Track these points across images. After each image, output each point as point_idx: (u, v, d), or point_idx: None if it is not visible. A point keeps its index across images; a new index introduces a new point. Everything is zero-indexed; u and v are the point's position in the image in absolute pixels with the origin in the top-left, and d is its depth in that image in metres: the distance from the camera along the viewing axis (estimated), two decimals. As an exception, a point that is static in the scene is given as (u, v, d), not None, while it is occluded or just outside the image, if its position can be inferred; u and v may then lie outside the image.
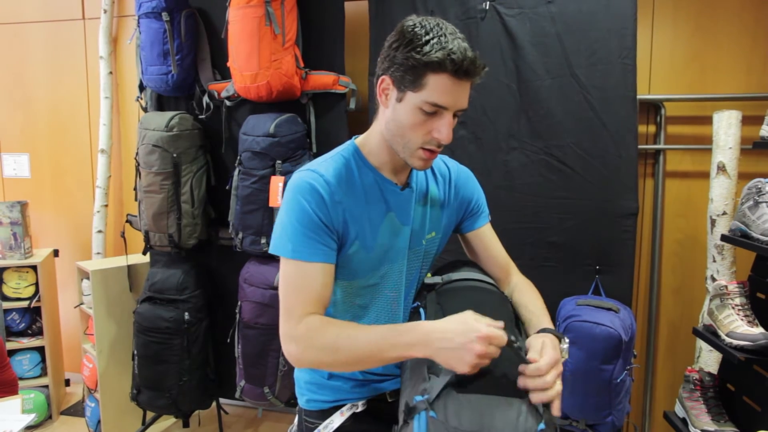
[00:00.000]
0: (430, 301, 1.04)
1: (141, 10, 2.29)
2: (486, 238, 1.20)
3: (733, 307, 1.70)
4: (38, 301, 2.85)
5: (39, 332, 2.90)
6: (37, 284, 2.86)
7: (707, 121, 2.18)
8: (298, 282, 0.96)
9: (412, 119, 0.94)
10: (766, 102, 2.20)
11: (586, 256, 2.07)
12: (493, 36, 2.09)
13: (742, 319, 1.67)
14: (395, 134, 0.98)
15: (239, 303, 2.27)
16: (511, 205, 2.13)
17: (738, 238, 1.75)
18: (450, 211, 1.16)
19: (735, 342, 1.62)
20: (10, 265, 2.81)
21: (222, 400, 2.68)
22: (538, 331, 0.94)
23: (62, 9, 3.06)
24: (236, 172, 2.20)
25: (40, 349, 2.90)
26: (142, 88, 2.49)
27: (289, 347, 0.95)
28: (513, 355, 0.83)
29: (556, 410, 0.78)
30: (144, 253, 2.50)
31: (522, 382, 0.80)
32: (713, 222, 2.09)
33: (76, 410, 3.02)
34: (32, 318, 2.91)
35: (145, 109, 2.54)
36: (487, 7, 2.09)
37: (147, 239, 2.37)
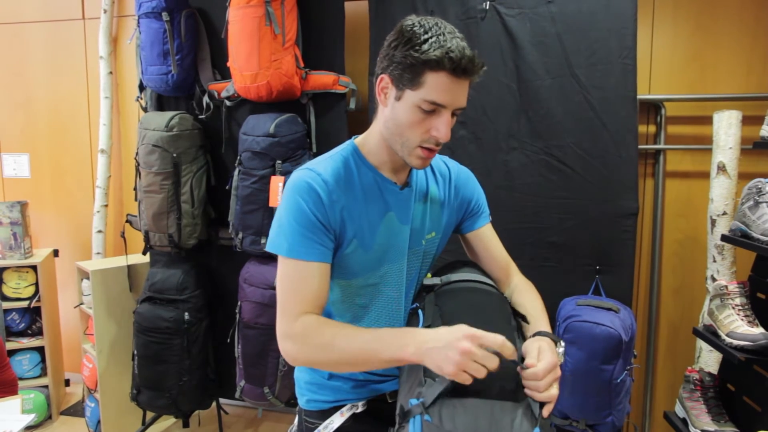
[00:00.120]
0: (429, 302, 1.04)
1: (141, 10, 2.29)
2: (486, 239, 1.20)
3: (733, 307, 1.70)
4: (38, 301, 2.85)
5: (39, 332, 2.90)
6: (37, 284, 2.86)
7: (707, 121, 2.18)
8: (295, 281, 0.97)
9: (411, 117, 0.94)
10: (766, 102, 2.20)
11: (586, 256, 2.07)
12: (493, 36, 2.09)
13: (742, 319, 1.67)
14: (394, 133, 0.98)
15: (239, 303, 2.27)
16: (511, 205, 2.13)
17: (738, 238, 1.75)
18: (450, 211, 1.16)
19: (735, 342, 1.62)
20: (10, 265, 2.81)
21: (222, 400, 2.68)
22: (535, 334, 0.94)
23: (62, 9, 3.06)
24: (236, 172, 2.20)
25: (40, 349, 2.90)
26: (142, 88, 2.49)
27: (285, 345, 0.95)
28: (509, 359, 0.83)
29: (545, 413, 0.79)
30: (144, 253, 2.50)
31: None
32: (713, 222, 2.09)
33: (75, 410, 3.01)
34: (32, 318, 2.91)
35: (145, 109, 2.54)
36: (487, 7, 2.09)
37: (147, 239, 2.37)
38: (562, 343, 0.93)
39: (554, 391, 0.81)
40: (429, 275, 1.16)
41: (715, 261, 2.10)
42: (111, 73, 3.00)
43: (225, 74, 2.35)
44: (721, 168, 2.06)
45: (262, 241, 2.14)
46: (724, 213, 2.06)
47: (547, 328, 0.98)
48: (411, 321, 1.07)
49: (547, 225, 2.11)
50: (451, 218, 1.17)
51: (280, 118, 2.12)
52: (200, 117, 2.39)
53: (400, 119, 0.96)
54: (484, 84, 2.11)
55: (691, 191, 2.35)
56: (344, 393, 1.11)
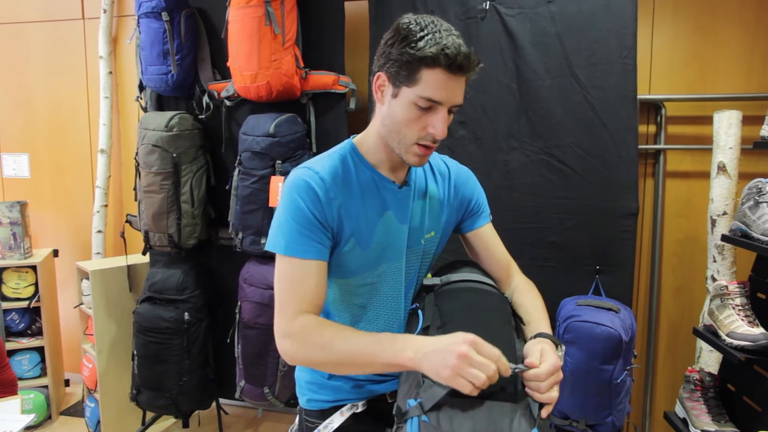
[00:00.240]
0: (428, 302, 1.04)
1: (141, 9, 2.29)
2: (487, 238, 1.20)
3: (733, 308, 1.70)
4: (38, 301, 2.84)
5: (38, 332, 2.89)
6: (36, 284, 2.86)
7: (707, 121, 2.18)
8: (292, 279, 0.97)
9: (407, 114, 0.95)
10: (766, 102, 2.20)
11: (586, 256, 2.07)
12: (493, 36, 2.09)
13: (742, 320, 1.67)
14: (391, 130, 0.98)
15: (239, 303, 2.27)
16: (511, 205, 2.13)
17: (738, 238, 1.75)
18: (449, 211, 1.16)
19: (735, 342, 1.62)
20: (10, 265, 2.81)
21: (222, 401, 2.68)
22: (535, 336, 0.94)
23: (62, 9, 3.06)
24: (236, 172, 2.19)
25: (40, 350, 2.90)
26: (141, 88, 2.49)
27: (283, 343, 0.95)
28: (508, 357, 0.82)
29: (544, 414, 0.79)
30: (144, 253, 2.50)
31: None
32: (713, 222, 2.09)
33: (75, 410, 3.01)
34: (32, 318, 2.91)
35: (144, 109, 2.54)
36: (487, 7, 2.08)
37: (147, 239, 2.37)
38: (563, 347, 0.93)
39: (555, 393, 0.81)
40: (429, 275, 1.16)
41: (715, 261, 2.10)
42: (111, 73, 3.00)
43: (225, 74, 2.35)
44: (721, 168, 2.06)
45: (262, 241, 2.14)
46: (725, 213, 2.06)
47: (548, 330, 0.98)
48: (411, 321, 1.07)
49: (547, 225, 2.10)
50: (451, 218, 1.17)
51: (280, 118, 2.12)
52: (200, 117, 2.39)
53: (396, 116, 0.96)
54: (484, 84, 2.11)
55: (691, 191, 2.35)
56: (344, 393, 1.11)
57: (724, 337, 1.67)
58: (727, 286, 1.73)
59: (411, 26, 0.92)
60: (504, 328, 0.95)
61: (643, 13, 2.23)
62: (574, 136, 2.05)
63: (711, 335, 1.76)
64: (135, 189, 2.39)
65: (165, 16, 2.24)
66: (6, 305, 2.80)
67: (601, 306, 1.84)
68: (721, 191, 2.07)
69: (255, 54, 2.07)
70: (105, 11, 2.94)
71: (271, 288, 2.18)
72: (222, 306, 2.50)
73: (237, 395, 2.30)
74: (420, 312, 1.03)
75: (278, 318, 0.97)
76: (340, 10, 2.27)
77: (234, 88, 2.25)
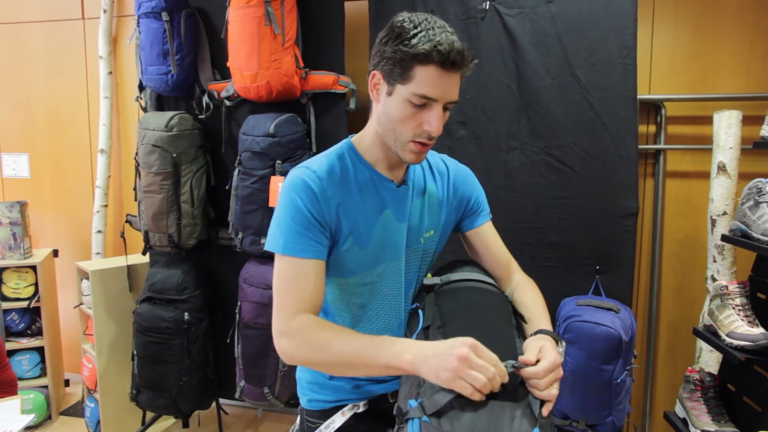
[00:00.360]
0: (429, 302, 1.04)
1: (141, 10, 2.29)
2: (487, 237, 1.20)
3: (733, 308, 1.70)
4: (38, 301, 2.84)
5: (38, 332, 2.89)
6: (36, 284, 2.86)
7: (707, 121, 2.18)
8: (290, 278, 0.97)
9: (402, 112, 0.95)
10: (766, 102, 2.20)
11: (586, 256, 2.07)
12: (493, 36, 2.09)
13: (742, 320, 1.67)
14: (387, 128, 0.99)
15: (239, 303, 2.27)
16: (511, 205, 2.13)
17: (738, 238, 1.75)
18: (449, 209, 1.16)
19: (735, 342, 1.62)
20: (10, 265, 2.81)
21: (222, 401, 2.68)
22: (536, 333, 0.94)
23: (62, 9, 3.06)
24: (236, 172, 2.19)
25: (40, 350, 2.90)
26: (141, 88, 2.49)
27: (281, 342, 0.95)
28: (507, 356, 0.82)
29: (544, 412, 0.78)
30: (144, 253, 2.50)
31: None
32: (713, 222, 2.09)
33: (75, 410, 3.01)
34: (32, 318, 2.91)
35: (144, 109, 2.54)
36: (487, 7, 2.08)
37: (147, 239, 2.37)
38: (563, 343, 0.93)
39: (554, 391, 0.81)
40: (429, 275, 1.15)
41: (715, 261, 2.10)
42: (111, 73, 3.00)
43: (225, 74, 2.35)
44: (721, 168, 2.06)
45: (262, 241, 2.14)
46: (725, 213, 2.06)
47: (549, 327, 0.98)
48: (411, 321, 1.07)
49: (547, 225, 2.10)
50: (450, 216, 1.17)
51: (280, 118, 2.12)
52: (200, 117, 2.39)
53: (392, 114, 0.96)
54: (484, 84, 2.11)
55: (691, 191, 2.35)
56: (346, 393, 1.11)
57: (724, 337, 1.67)
58: (727, 286, 1.73)
59: (404, 24, 0.92)
60: (505, 327, 0.95)
61: (643, 13, 2.23)
62: (574, 136, 2.05)
63: (711, 335, 1.76)
64: (135, 189, 2.39)
65: (165, 16, 2.24)
66: (6, 305, 2.80)
67: (601, 306, 1.84)
68: (721, 191, 2.07)
69: (255, 54, 2.07)
70: (105, 11, 2.94)
71: (271, 288, 2.18)
72: (222, 306, 2.50)
73: (237, 395, 2.30)
74: (420, 312, 1.03)
75: (276, 317, 0.97)
76: (340, 10, 2.27)
77: (234, 88, 2.25)
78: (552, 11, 2.02)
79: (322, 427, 1.09)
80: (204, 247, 2.46)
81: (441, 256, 1.20)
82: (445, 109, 0.96)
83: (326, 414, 1.11)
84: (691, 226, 2.36)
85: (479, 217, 1.20)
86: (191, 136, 2.31)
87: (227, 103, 2.35)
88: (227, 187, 2.29)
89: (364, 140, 1.07)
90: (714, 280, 2.08)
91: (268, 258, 2.21)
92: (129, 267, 2.66)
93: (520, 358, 0.82)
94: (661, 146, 2.32)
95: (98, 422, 2.61)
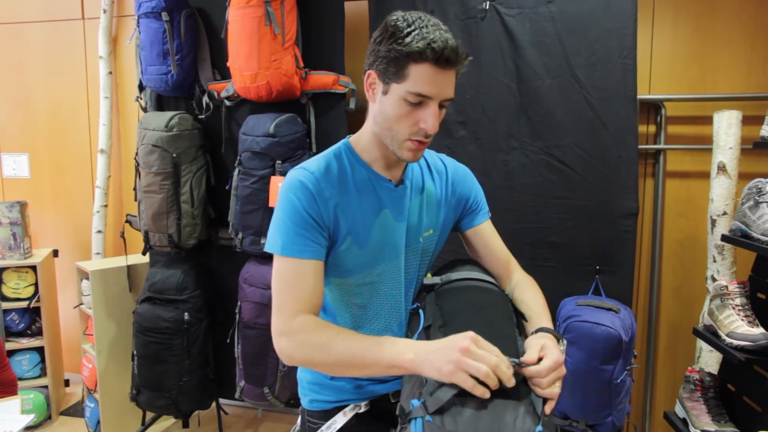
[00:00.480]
0: (429, 302, 1.04)
1: (141, 10, 2.29)
2: (486, 235, 1.20)
3: (733, 308, 1.70)
4: (38, 301, 2.84)
5: (38, 332, 2.89)
6: (36, 284, 2.86)
7: (707, 121, 2.18)
8: (290, 278, 0.97)
9: (398, 111, 0.95)
10: (766, 102, 2.20)
11: (586, 256, 2.07)
12: (493, 36, 2.09)
13: (742, 320, 1.67)
14: (383, 127, 0.99)
15: (239, 303, 2.27)
16: (511, 205, 2.13)
17: (738, 239, 1.75)
18: (447, 209, 1.16)
19: (735, 342, 1.62)
20: (10, 266, 2.81)
21: (222, 401, 2.68)
22: (537, 331, 0.94)
23: (62, 9, 3.06)
24: (236, 172, 2.19)
25: (40, 350, 2.90)
26: (141, 88, 2.49)
27: (281, 342, 0.95)
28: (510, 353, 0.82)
29: (547, 410, 0.78)
30: (144, 254, 2.50)
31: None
32: (713, 222, 2.09)
33: (75, 411, 3.01)
34: (32, 318, 2.91)
35: (144, 109, 2.54)
36: (487, 7, 2.08)
37: (146, 239, 2.37)
38: (564, 341, 0.93)
39: (556, 389, 0.81)
40: (429, 275, 1.16)
41: (715, 261, 2.10)
42: (111, 73, 3.00)
43: (225, 74, 2.35)
44: (721, 168, 2.06)
45: (262, 241, 2.14)
46: (724, 213, 2.06)
47: (549, 325, 0.98)
48: (412, 321, 1.07)
49: (547, 225, 2.10)
50: (449, 215, 1.17)
51: (280, 118, 2.12)
52: (200, 117, 2.39)
53: (387, 113, 0.96)
54: (484, 84, 2.11)
55: (691, 191, 2.35)
56: (347, 393, 1.11)
57: (724, 337, 1.67)
58: (727, 286, 1.73)
59: (398, 23, 0.93)
60: (506, 326, 0.95)
61: (643, 13, 2.23)
62: (574, 136, 2.05)
63: (711, 335, 1.76)
64: (135, 189, 2.39)
65: (165, 16, 2.24)
66: (6, 305, 2.80)
67: (601, 306, 1.84)
68: (721, 191, 2.07)
69: (255, 54, 2.07)
70: (105, 11, 2.94)
71: (271, 288, 2.19)
72: (222, 306, 2.50)
73: (237, 395, 2.30)
74: (421, 311, 1.03)
75: (276, 317, 0.97)
76: (340, 10, 2.27)
77: (234, 88, 2.25)
78: (552, 11, 2.02)
79: (323, 427, 1.09)
80: (204, 247, 2.46)
81: (440, 256, 1.20)
82: (441, 106, 0.96)
83: (327, 414, 1.11)
84: (691, 226, 2.36)
85: (478, 215, 1.20)
86: (191, 136, 2.31)
87: (227, 103, 2.35)
88: (227, 187, 2.29)
89: (361, 140, 1.07)
90: (714, 280, 2.08)
91: (268, 258, 2.21)
92: (129, 267, 2.66)
93: (522, 358, 0.82)
94: (661, 146, 2.32)
95: (98, 422, 2.61)
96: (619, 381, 1.77)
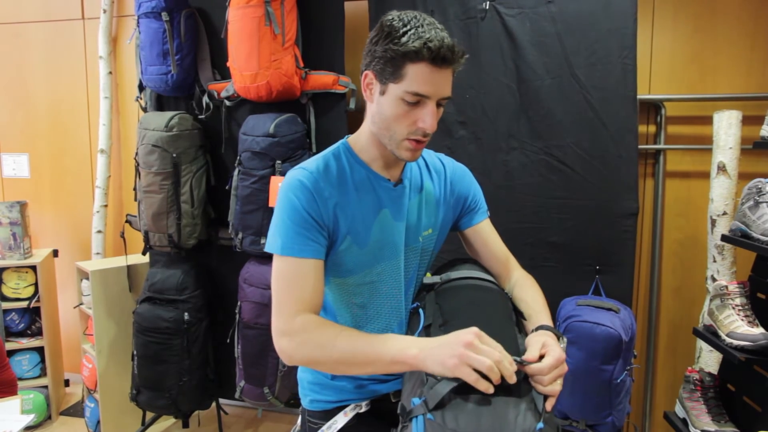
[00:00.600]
0: (429, 301, 1.04)
1: (140, 10, 2.29)
2: (485, 234, 1.20)
3: (733, 308, 1.70)
4: (38, 301, 2.84)
5: (38, 332, 2.89)
6: (36, 284, 2.86)
7: (707, 121, 2.18)
8: (289, 278, 0.97)
9: (396, 110, 0.95)
10: (766, 102, 2.20)
11: (586, 256, 2.07)
12: (493, 36, 2.09)
13: (742, 320, 1.67)
14: (381, 127, 0.99)
15: (239, 303, 2.27)
16: (511, 205, 2.13)
17: (738, 238, 1.75)
18: (446, 208, 1.16)
19: (735, 342, 1.62)
20: (10, 266, 2.81)
21: (222, 401, 2.68)
22: (537, 329, 0.94)
23: (62, 9, 3.06)
24: (236, 172, 2.19)
25: (40, 350, 2.90)
26: (141, 88, 2.49)
27: (282, 342, 0.95)
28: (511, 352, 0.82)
29: (548, 407, 0.78)
30: (144, 254, 2.50)
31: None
32: (713, 222, 2.09)
33: (75, 411, 3.01)
34: (32, 318, 2.91)
35: (144, 109, 2.54)
36: (487, 7, 2.08)
37: (146, 239, 2.37)
38: (564, 339, 0.93)
39: (558, 386, 0.81)
40: (429, 274, 1.16)
41: (715, 261, 2.10)
42: (111, 73, 3.00)
43: (225, 74, 2.35)
44: (721, 168, 2.06)
45: (262, 241, 2.14)
46: (724, 213, 2.06)
47: (549, 323, 0.98)
48: (412, 320, 1.07)
49: (547, 225, 2.11)
50: (448, 215, 1.17)
51: (280, 118, 2.12)
52: (200, 117, 2.39)
53: (385, 113, 0.97)
54: (484, 84, 2.11)
55: (691, 191, 2.35)
56: (348, 393, 1.11)
57: (724, 337, 1.67)
58: (727, 286, 1.73)
59: (394, 23, 0.93)
60: (506, 324, 0.95)
61: (643, 13, 2.23)
62: (574, 136, 2.05)
63: (711, 335, 1.76)
64: (135, 189, 2.39)
65: (165, 16, 2.24)
66: (6, 305, 2.80)
67: (601, 306, 1.84)
68: (721, 191, 2.07)
69: (255, 54, 2.07)
70: (105, 11, 2.94)
71: (271, 288, 2.19)
72: (222, 306, 2.50)
73: (237, 395, 2.30)
74: (421, 311, 1.03)
75: (276, 317, 0.97)
76: (340, 10, 2.27)
77: (234, 88, 2.25)
78: (552, 11, 2.02)
79: (324, 427, 1.09)
80: (204, 247, 2.46)
81: (440, 256, 1.21)
82: (438, 105, 0.96)
83: (328, 414, 1.11)
84: (691, 226, 2.36)
85: (477, 214, 1.20)
86: (191, 136, 2.31)
87: (227, 103, 2.35)
88: (227, 187, 2.29)
89: (359, 140, 1.07)
90: (714, 280, 2.08)
91: (268, 258, 2.21)
92: (129, 267, 2.66)
93: (524, 356, 0.83)
94: (661, 146, 2.33)
95: (98, 422, 2.61)
96: (619, 381, 1.77)
